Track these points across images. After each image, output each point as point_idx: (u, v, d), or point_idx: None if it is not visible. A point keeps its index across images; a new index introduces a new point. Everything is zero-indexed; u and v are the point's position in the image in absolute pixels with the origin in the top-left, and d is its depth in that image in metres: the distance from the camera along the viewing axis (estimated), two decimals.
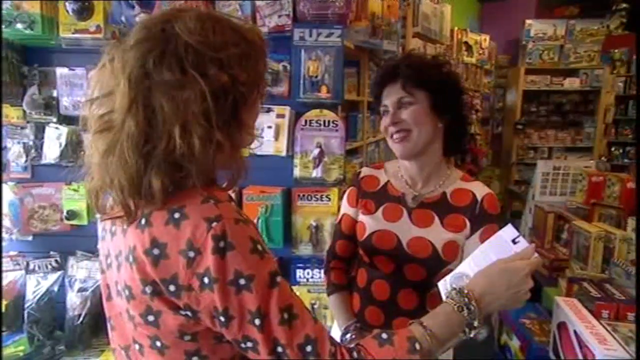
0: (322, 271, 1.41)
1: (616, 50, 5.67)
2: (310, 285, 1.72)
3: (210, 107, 0.63)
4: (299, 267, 1.71)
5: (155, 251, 0.63)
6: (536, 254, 0.84)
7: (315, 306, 1.72)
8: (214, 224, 0.62)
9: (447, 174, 1.16)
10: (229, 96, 0.65)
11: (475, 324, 0.78)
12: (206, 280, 0.62)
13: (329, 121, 1.59)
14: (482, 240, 0.94)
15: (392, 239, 1.13)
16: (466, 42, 5.03)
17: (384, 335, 0.72)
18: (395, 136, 1.09)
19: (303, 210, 1.68)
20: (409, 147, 1.09)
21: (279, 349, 0.64)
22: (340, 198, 1.85)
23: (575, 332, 1.65)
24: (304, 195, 1.67)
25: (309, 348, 0.65)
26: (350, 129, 2.05)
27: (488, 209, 1.10)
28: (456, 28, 4.68)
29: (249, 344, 0.65)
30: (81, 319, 1.59)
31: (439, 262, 1.08)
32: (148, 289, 0.65)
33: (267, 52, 0.76)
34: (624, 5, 5.95)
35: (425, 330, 0.74)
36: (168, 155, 0.63)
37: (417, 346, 0.71)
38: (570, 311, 1.72)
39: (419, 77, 1.07)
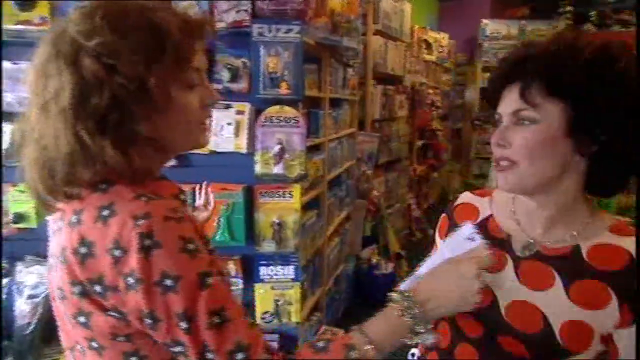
0: None
1: None
2: (274, 282, 1.70)
3: (91, 100, 0.60)
4: (263, 265, 1.69)
5: (83, 250, 0.61)
6: (489, 252, 0.73)
7: (280, 303, 1.71)
8: (141, 221, 0.59)
9: (586, 220, 0.74)
10: (113, 87, 0.61)
11: (420, 329, 0.69)
12: (131, 280, 0.58)
13: (289, 118, 1.57)
14: None
15: (485, 295, 0.74)
16: (426, 40, 5.13)
17: (321, 344, 0.67)
18: (497, 162, 0.74)
19: (265, 207, 1.66)
20: (512, 182, 0.73)
21: (209, 355, 0.60)
22: (303, 194, 1.84)
23: None
24: (265, 192, 1.65)
25: (239, 355, 0.60)
26: (311, 126, 2.05)
27: None
28: (416, 26, 4.75)
29: (179, 348, 0.61)
30: (31, 327, 1.50)
31: (553, 346, 0.71)
32: (76, 290, 0.62)
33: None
34: (569, 8, 6.27)
35: (364, 337, 0.67)
36: (72, 155, 0.61)
37: (354, 354, 0.65)
38: None
39: (553, 78, 0.68)
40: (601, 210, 0.77)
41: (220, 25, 1.50)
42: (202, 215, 1.28)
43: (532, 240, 0.77)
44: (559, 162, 0.70)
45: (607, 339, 0.70)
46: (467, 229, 0.75)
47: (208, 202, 1.31)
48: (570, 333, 0.70)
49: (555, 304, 0.72)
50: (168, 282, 0.59)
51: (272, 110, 1.56)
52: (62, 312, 0.69)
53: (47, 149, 0.63)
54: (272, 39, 1.51)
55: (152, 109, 0.64)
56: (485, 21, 5.79)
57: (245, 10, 1.49)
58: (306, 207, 2.05)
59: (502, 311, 0.76)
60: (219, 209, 1.58)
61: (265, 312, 1.70)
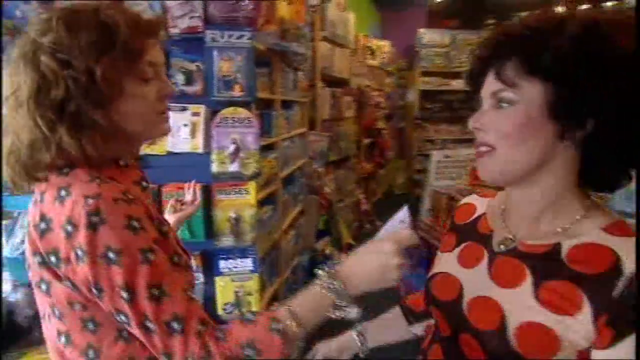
0: None
1: None
2: (234, 274, 1.70)
3: (49, 93, 0.64)
4: (222, 258, 1.68)
5: (42, 225, 0.66)
6: (409, 231, 0.71)
7: (240, 294, 1.71)
8: (91, 201, 0.63)
9: (577, 217, 0.62)
10: (67, 80, 0.64)
11: (343, 304, 0.69)
12: (79, 253, 0.63)
13: (243, 118, 1.56)
14: None
15: (453, 290, 0.71)
16: (370, 47, 5.25)
17: (249, 316, 0.69)
18: (476, 148, 0.66)
19: (222, 203, 1.65)
20: (491, 169, 0.63)
21: (148, 324, 0.63)
22: (258, 191, 1.84)
23: None
24: (222, 190, 1.63)
25: (175, 325, 0.63)
26: (264, 126, 2.05)
27: None
28: (360, 34, 4.86)
29: (122, 317, 0.65)
30: None
31: (506, 348, 0.60)
32: (37, 260, 0.67)
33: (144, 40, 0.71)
34: (492, 21, 6.69)
35: (288, 312, 0.68)
36: (33, 142, 0.66)
37: (279, 326, 0.66)
38: None
39: (531, 55, 0.57)
40: (601, 207, 0.62)
41: (174, 30, 1.47)
42: (187, 210, 1.28)
43: (510, 236, 0.67)
44: (541, 149, 0.59)
45: (585, 357, 0.56)
46: (402, 213, 0.73)
47: (195, 199, 1.30)
48: (527, 335, 0.59)
49: (518, 303, 0.61)
50: (111, 255, 0.63)
51: (227, 111, 1.55)
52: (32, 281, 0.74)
53: (14, 138, 0.68)
54: (225, 44, 1.50)
55: (105, 100, 0.67)
56: (422, 31, 6.01)
57: (199, 17, 1.47)
58: (262, 203, 2.05)
59: (464, 306, 0.68)
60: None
61: (227, 303, 1.69)
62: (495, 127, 0.61)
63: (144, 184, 0.80)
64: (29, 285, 1.44)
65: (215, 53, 1.50)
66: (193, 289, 0.84)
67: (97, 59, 0.65)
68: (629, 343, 0.52)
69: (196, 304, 0.69)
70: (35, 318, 1.54)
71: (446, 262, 0.76)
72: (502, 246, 0.68)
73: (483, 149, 0.63)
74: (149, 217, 0.70)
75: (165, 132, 0.80)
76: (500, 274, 0.66)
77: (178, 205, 1.28)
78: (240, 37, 1.50)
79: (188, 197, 1.31)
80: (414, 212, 3.50)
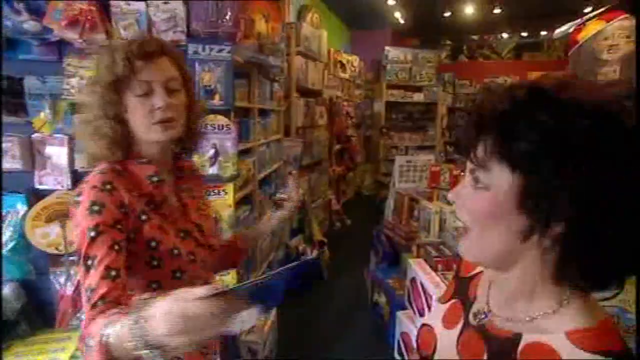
0: None
1: (445, 74, 6.55)
2: None
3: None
4: None
5: (77, 199, 0.82)
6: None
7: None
8: (82, 186, 0.82)
9: (549, 310, 0.51)
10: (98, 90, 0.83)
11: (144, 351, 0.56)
12: (74, 224, 0.82)
13: (222, 125, 1.58)
14: None
15: (430, 346, 0.66)
16: (340, 61, 5.32)
17: (114, 312, 0.68)
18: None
19: None
20: (464, 249, 0.57)
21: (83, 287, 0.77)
22: (236, 192, 1.85)
23: (421, 283, 1.90)
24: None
25: (88, 293, 0.75)
26: (242, 132, 2.06)
27: None
28: (332, 49, 4.92)
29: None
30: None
31: None
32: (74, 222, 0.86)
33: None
34: (449, 42, 6.95)
35: (118, 328, 0.61)
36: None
37: (106, 333, 0.62)
38: (418, 268, 1.96)
39: (501, 139, 0.48)
40: (584, 305, 0.50)
41: None
42: (286, 206, 1.14)
43: (485, 309, 0.60)
44: (512, 238, 0.50)
45: None
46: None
47: (290, 197, 1.13)
48: None
49: None
50: (76, 227, 0.80)
51: (207, 118, 1.56)
52: None
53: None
54: (206, 57, 1.51)
55: (123, 111, 0.85)
56: (387, 48, 6.14)
57: (182, 31, 1.47)
58: (240, 203, 2.05)
59: None
60: None
61: None
62: (467, 207, 0.54)
63: (154, 178, 0.89)
64: (17, 280, 1.41)
65: (197, 65, 1.50)
66: (184, 273, 0.89)
67: (115, 80, 0.83)
68: None
69: (110, 283, 0.75)
70: (21, 312, 1.50)
71: (435, 315, 0.69)
72: (475, 318, 0.60)
73: (462, 228, 0.57)
74: (117, 205, 0.81)
75: (161, 139, 0.87)
76: (464, 347, 0.60)
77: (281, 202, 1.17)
78: (221, 50, 1.52)
79: (284, 194, 1.17)
80: (380, 212, 3.60)
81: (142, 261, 0.86)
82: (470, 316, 0.61)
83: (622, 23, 1.32)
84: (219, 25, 1.49)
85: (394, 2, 5.48)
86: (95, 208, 0.78)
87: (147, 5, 1.44)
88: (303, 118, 3.77)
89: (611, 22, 1.36)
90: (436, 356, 0.63)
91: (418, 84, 6.16)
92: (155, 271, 0.87)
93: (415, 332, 1.93)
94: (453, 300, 0.67)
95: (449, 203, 2.74)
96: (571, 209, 0.45)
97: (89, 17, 1.37)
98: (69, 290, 1.55)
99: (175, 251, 0.87)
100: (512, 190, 0.48)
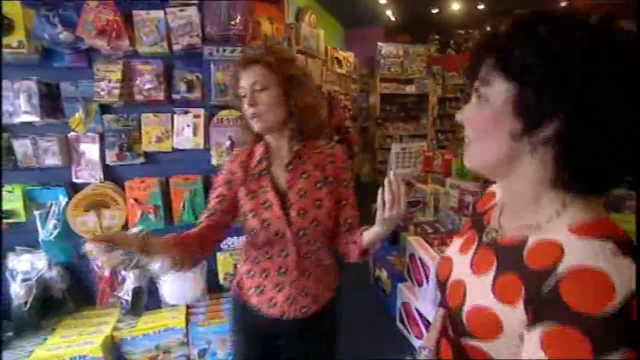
0: None
1: (434, 67, 6.55)
2: (232, 250, 1.76)
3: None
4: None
5: None
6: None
7: (238, 265, 1.78)
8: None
9: (552, 213, 0.54)
10: None
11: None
12: None
13: (236, 118, 1.63)
14: (548, 352, 0.45)
15: (447, 271, 0.69)
16: (337, 58, 5.34)
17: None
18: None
19: None
20: (467, 158, 0.60)
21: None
22: None
23: (419, 258, 1.98)
24: None
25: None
26: None
27: (566, 297, 0.45)
28: (329, 47, 4.93)
29: None
30: (27, 305, 1.44)
31: (460, 324, 0.59)
32: None
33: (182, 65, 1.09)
34: (437, 36, 6.92)
35: None
36: None
37: None
38: (416, 245, 2.04)
39: (500, 55, 0.52)
40: (586, 206, 0.52)
41: (177, 47, 1.52)
42: (386, 214, 0.95)
43: (496, 228, 0.62)
44: (508, 144, 0.53)
45: None
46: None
47: (393, 202, 0.93)
48: (476, 317, 0.56)
49: (478, 288, 0.58)
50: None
51: (223, 113, 1.61)
52: None
53: None
54: (220, 58, 1.56)
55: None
56: (380, 44, 6.14)
57: (197, 35, 1.51)
58: None
59: (447, 285, 0.66)
60: (184, 194, 1.62)
61: (227, 273, 1.77)
62: (471, 121, 0.57)
63: (258, 158, 1.12)
64: (62, 263, 1.49)
65: (212, 65, 1.55)
66: (258, 234, 1.09)
67: None
68: (543, 331, 0.45)
69: (206, 217, 1.09)
70: (67, 292, 1.58)
71: (452, 247, 0.72)
72: (487, 237, 0.63)
73: (466, 140, 0.59)
74: (229, 172, 1.13)
75: (256, 129, 1.08)
76: (476, 262, 0.62)
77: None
78: (233, 51, 1.56)
79: (386, 195, 0.95)
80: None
81: (241, 213, 1.12)
82: (483, 237, 0.63)
83: None
84: (230, 29, 1.53)
85: (386, 1, 5.47)
86: (222, 170, 1.16)
87: (165, 13, 1.48)
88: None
89: None
90: (452, 276, 0.65)
91: (410, 77, 6.18)
92: (245, 223, 1.11)
93: (414, 302, 2.01)
94: (469, 232, 0.69)
95: (442, 185, 2.82)
96: (560, 111, 0.47)
97: (115, 27, 1.42)
98: (106, 272, 1.63)
99: (251, 214, 1.08)
100: (509, 99, 0.51)
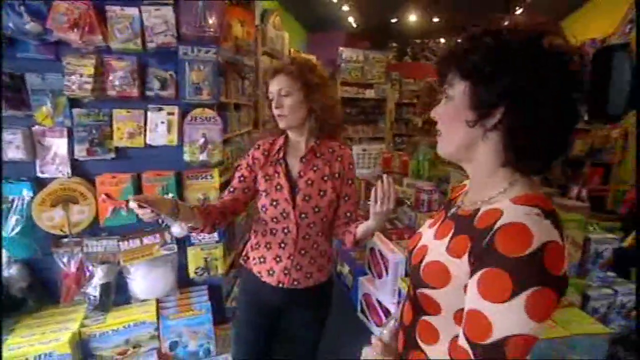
0: None
1: (393, 73, 6.89)
2: (203, 244, 1.81)
3: None
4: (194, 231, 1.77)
5: None
6: None
7: (208, 259, 1.82)
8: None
9: (500, 190, 0.66)
10: None
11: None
12: None
13: (210, 117, 1.68)
14: (480, 290, 0.56)
15: (415, 242, 0.81)
16: None
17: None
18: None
19: (192, 187, 1.74)
20: (440, 148, 0.73)
21: None
22: (220, 175, 1.96)
23: (379, 251, 2.14)
24: (192, 175, 1.73)
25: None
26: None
27: (498, 245, 0.56)
28: (292, 49, 5.02)
29: None
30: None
31: (418, 276, 0.71)
32: None
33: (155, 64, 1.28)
34: (395, 44, 7.27)
35: None
36: None
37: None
38: (376, 239, 2.19)
39: (459, 63, 0.65)
40: (528, 186, 0.65)
41: (151, 45, 1.55)
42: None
43: (459, 204, 0.75)
44: (467, 133, 0.65)
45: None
46: None
47: (384, 199, 1.11)
48: (430, 269, 0.68)
49: (436, 249, 0.70)
50: None
51: (197, 111, 1.66)
52: None
53: None
54: (194, 58, 1.60)
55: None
56: (341, 49, 6.33)
57: (172, 35, 1.55)
58: (222, 187, 2.16)
59: (413, 253, 0.77)
60: (157, 190, 1.64)
61: (197, 268, 1.80)
62: (440, 117, 0.70)
63: (278, 148, 1.34)
64: (23, 260, 1.49)
65: (186, 65, 1.60)
66: (267, 210, 1.32)
67: None
68: (479, 275, 0.57)
69: (228, 194, 1.36)
70: (28, 290, 1.54)
71: (424, 225, 0.84)
72: (450, 212, 0.76)
73: (438, 133, 0.71)
74: (253, 157, 1.37)
75: (280, 125, 1.31)
76: (439, 231, 0.74)
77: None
78: (207, 52, 1.62)
79: (378, 193, 1.13)
80: None
81: (257, 192, 1.36)
82: (449, 213, 0.76)
83: None
84: (205, 30, 1.59)
85: (348, 8, 5.68)
86: (246, 156, 1.39)
87: (140, 11, 1.51)
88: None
89: None
90: (420, 243, 0.77)
91: (369, 82, 6.42)
92: (258, 201, 1.35)
93: (374, 293, 2.16)
94: (440, 213, 0.82)
95: (400, 184, 3.02)
96: (500, 101, 0.60)
97: (87, 21, 1.42)
98: (73, 268, 1.61)
99: (264, 194, 1.32)
100: (465, 95, 0.64)
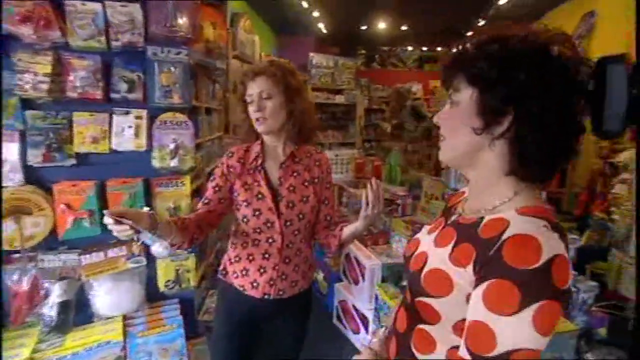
0: None
1: (362, 79, 7.01)
2: (174, 256, 1.70)
3: None
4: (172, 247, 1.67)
5: None
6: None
7: (179, 271, 1.72)
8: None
9: (504, 199, 0.65)
10: None
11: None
12: None
13: (181, 121, 1.59)
14: (486, 302, 0.55)
15: (412, 248, 0.79)
16: None
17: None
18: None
19: (162, 195, 1.64)
20: (441, 153, 0.71)
21: None
22: (192, 182, 1.87)
23: (354, 257, 2.13)
24: (161, 183, 1.63)
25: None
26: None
27: (506, 256, 0.55)
28: (263, 53, 4.96)
29: None
30: None
31: (418, 284, 0.68)
32: None
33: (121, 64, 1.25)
34: (363, 51, 7.42)
35: None
36: None
37: None
38: (351, 245, 2.18)
39: (467, 69, 0.64)
40: (532, 196, 0.64)
41: (116, 44, 1.45)
42: (368, 213, 1.17)
43: (460, 212, 0.73)
44: (472, 139, 0.64)
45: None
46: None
47: (376, 202, 1.14)
48: (432, 277, 0.66)
49: (438, 257, 0.67)
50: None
51: (167, 115, 1.57)
52: None
53: None
54: (164, 59, 1.52)
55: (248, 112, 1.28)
56: (312, 54, 6.35)
57: (140, 34, 1.46)
58: (193, 194, 2.06)
59: (412, 259, 0.75)
60: (123, 198, 1.53)
61: (168, 281, 1.70)
62: (445, 122, 0.69)
63: (255, 154, 1.28)
64: None
65: (156, 66, 1.51)
66: (249, 221, 1.25)
67: None
68: (485, 286, 0.55)
69: (203, 205, 1.28)
70: None
71: (422, 231, 0.82)
72: (451, 219, 0.74)
73: (440, 138, 0.70)
74: (227, 165, 1.28)
75: (259, 130, 1.24)
76: (439, 238, 0.71)
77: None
78: (178, 53, 1.54)
79: (367, 198, 1.15)
80: None
81: (235, 203, 1.27)
82: (449, 221, 0.74)
83: None
84: (176, 30, 1.51)
85: (318, 14, 5.71)
86: (219, 164, 1.28)
87: (105, 7, 1.40)
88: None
89: None
90: (418, 250, 0.75)
91: (339, 88, 6.48)
92: (237, 212, 1.27)
93: (350, 299, 2.14)
94: (438, 220, 0.80)
95: None
96: (510, 109, 0.59)
97: (43, 15, 1.30)
98: (25, 286, 1.45)
99: (244, 204, 1.24)
100: (472, 101, 0.63)
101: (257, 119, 1.22)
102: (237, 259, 1.31)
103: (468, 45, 0.65)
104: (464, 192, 0.82)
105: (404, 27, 6.61)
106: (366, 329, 1.99)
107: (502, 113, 0.60)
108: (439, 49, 8.08)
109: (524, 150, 0.61)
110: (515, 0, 4.83)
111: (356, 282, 2.10)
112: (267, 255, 1.27)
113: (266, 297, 1.27)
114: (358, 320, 2.08)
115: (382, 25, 6.42)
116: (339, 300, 2.24)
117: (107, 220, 0.91)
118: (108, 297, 1.51)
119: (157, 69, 1.52)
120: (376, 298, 1.89)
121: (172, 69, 1.53)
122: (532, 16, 5.39)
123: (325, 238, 1.34)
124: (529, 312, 0.51)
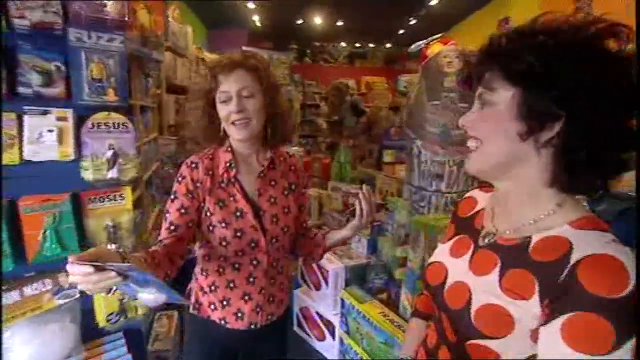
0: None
1: (295, 75, 6.90)
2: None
3: None
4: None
5: None
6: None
7: (124, 300, 1.42)
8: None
9: (548, 212, 0.57)
10: None
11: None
12: None
13: (118, 123, 1.30)
14: (568, 339, 0.46)
15: (440, 276, 0.67)
16: (202, 59, 4.96)
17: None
18: (467, 145, 0.62)
19: (96, 212, 1.33)
20: (472, 163, 0.61)
21: None
22: (132, 195, 1.56)
23: None
24: (94, 198, 1.32)
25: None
26: None
27: (587, 284, 0.47)
28: (194, 46, 4.53)
29: None
30: None
31: (467, 324, 0.58)
32: None
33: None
34: (295, 46, 7.33)
35: None
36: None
37: None
38: None
39: (506, 65, 0.55)
40: (576, 204, 0.56)
41: (21, 22, 1.10)
42: (355, 222, 1.07)
43: (494, 231, 0.63)
44: (512, 146, 0.55)
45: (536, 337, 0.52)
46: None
47: (368, 212, 1.04)
48: (486, 315, 0.56)
49: (484, 288, 0.58)
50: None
51: (100, 116, 1.26)
52: None
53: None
54: (93, 46, 1.21)
55: (217, 114, 1.06)
56: (245, 48, 6.03)
57: (55, 12, 1.14)
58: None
59: (445, 289, 0.65)
60: (44, 220, 1.19)
61: (111, 314, 1.39)
62: (474, 125, 0.59)
63: (229, 164, 1.06)
64: None
65: (82, 54, 1.19)
66: (229, 245, 1.03)
67: None
68: (563, 321, 0.47)
69: (168, 234, 1.01)
70: None
71: (441, 252, 0.72)
72: (485, 240, 0.64)
73: (469, 145, 0.60)
74: (191, 180, 1.03)
75: (238, 136, 1.02)
76: (476, 264, 0.62)
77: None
78: (111, 40, 1.24)
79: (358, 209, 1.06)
80: None
81: (205, 223, 1.04)
82: (480, 240, 0.64)
83: (453, 46, 1.68)
84: (107, 12, 1.21)
85: (254, 6, 5.41)
86: (180, 179, 1.04)
87: None
88: (175, 115, 3.39)
89: (447, 45, 1.72)
90: (449, 279, 0.64)
91: None
92: (210, 234, 1.04)
93: (312, 305, 2.04)
94: (457, 237, 0.69)
95: (324, 188, 2.96)
96: (561, 113, 0.50)
97: None
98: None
99: (223, 224, 1.02)
100: (513, 103, 0.53)
101: (236, 122, 0.99)
102: (212, 288, 1.10)
103: (505, 36, 0.55)
104: (476, 201, 0.73)
105: (339, 23, 6.61)
106: (332, 334, 1.91)
107: (551, 117, 0.52)
108: (370, 45, 8.30)
109: (573, 159, 0.52)
110: (446, 1, 5.10)
111: (317, 287, 1.99)
112: (251, 280, 1.08)
113: (252, 327, 1.09)
114: (322, 327, 1.99)
115: (317, 20, 6.33)
116: (301, 306, 2.12)
117: (81, 269, 0.62)
118: (26, 348, 1.17)
119: (85, 59, 1.20)
120: (342, 302, 1.82)
121: (105, 59, 1.23)
122: (460, 17, 5.78)
123: (308, 247, 1.20)
124: (625, 350, 0.43)
